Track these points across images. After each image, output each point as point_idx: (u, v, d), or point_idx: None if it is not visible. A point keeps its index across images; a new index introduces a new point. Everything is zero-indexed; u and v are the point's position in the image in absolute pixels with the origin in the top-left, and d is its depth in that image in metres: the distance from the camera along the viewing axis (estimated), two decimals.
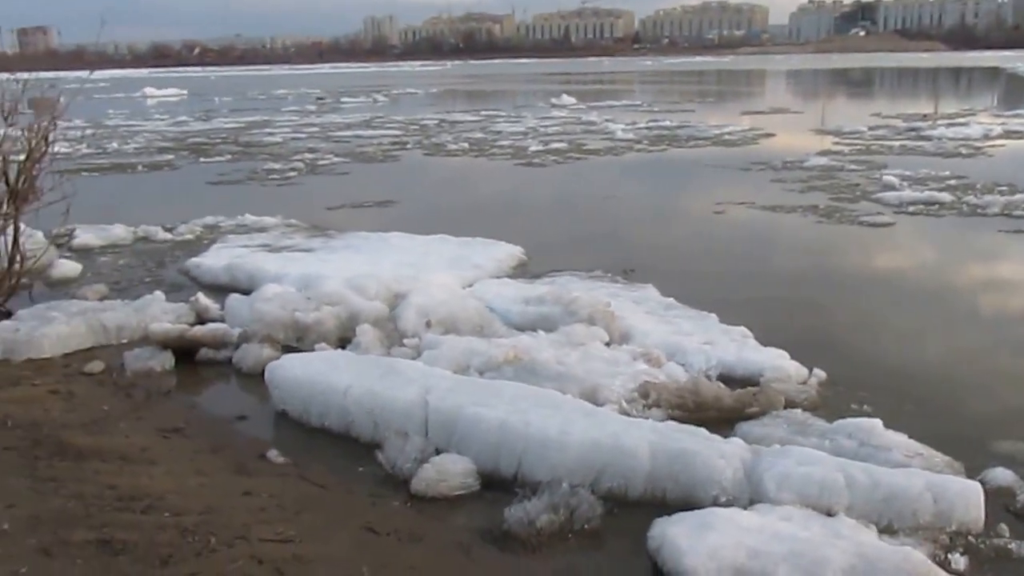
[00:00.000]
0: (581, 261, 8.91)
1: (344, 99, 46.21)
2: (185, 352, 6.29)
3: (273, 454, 4.73)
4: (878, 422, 4.64)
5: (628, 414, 4.91)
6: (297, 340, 6.37)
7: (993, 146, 18.92)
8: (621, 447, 4.24)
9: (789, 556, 3.45)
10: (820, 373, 5.62)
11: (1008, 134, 20.96)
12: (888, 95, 46.12)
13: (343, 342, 6.30)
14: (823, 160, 16.56)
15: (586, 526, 3.96)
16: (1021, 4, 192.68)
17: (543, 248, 9.67)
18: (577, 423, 4.42)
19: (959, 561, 3.65)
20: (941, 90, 48.79)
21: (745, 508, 3.92)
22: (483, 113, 32.89)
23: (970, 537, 3.82)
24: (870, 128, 23.08)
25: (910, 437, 4.61)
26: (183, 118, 34.12)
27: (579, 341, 5.92)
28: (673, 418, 4.87)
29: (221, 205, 12.64)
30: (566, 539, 3.91)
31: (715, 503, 4.02)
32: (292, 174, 16.82)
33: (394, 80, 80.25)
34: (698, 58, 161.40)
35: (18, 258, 7.61)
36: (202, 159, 19.80)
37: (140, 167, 18.53)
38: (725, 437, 4.50)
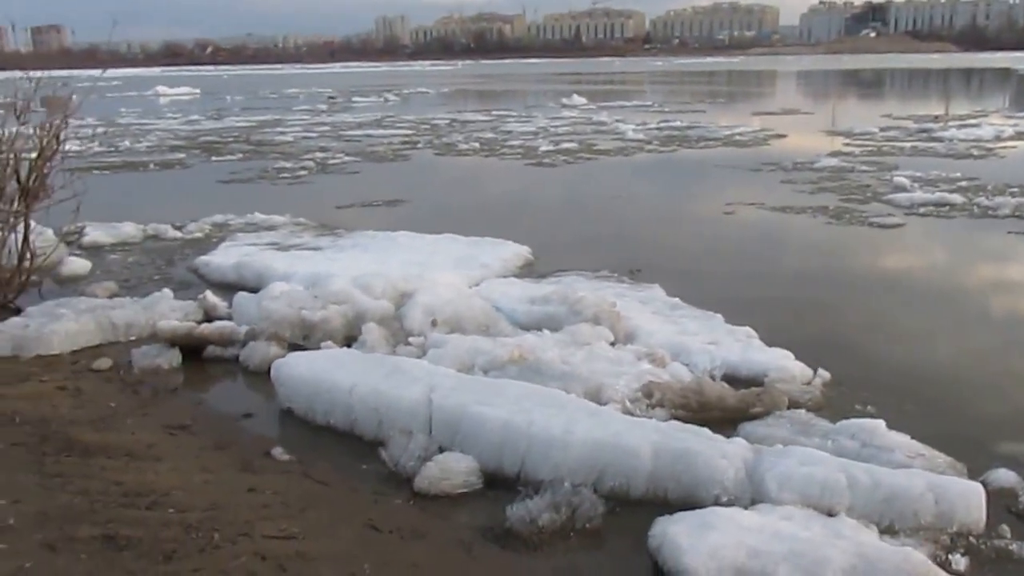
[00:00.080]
0: (588, 261, 8.92)
1: (355, 98, 46.30)
2: (193, 349, 6.33)
3: (278, 451, 4.76)
4: (881, 423, 4.64)
5: (632, 414, 4.91)
6: (303, 338, 6.40)
7: (1005, 147, 18.82)
8: (623, 446, 4.25)
9: (789, 556, 3.45)
10: (824, 374, 5.62)
11: (1020, 135, 20.86)
12: (899, 96, 45.93)
13: (349, 340, 6.33)
14: (834, 161, 16.52)
15: (587, 525, 3.97)
16: None
17: (550, 248, 9.68)
18: (580, 422, 4.43)
19: (960, 562, 3.64)
20: (952, 91, 48.55)
21: (746, 508, 3.92)
22: (494, 113, 32.91)
23: (971, 538, 3.81)
24: (881, 129, 22.99)
25: (914, 438, 4.61)
26: (195, 117, 34.27)
27: (584, 341, 5.94)
28: (677, 418, 4.88)
29: (231, 204, 12.69)
30: (567, 538, 3.92)
31: (717, 503, 4.03)
32: (303, 173, 16.87)
33: (405, 80, 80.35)
34: (709, 59, 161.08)
35: (28, 255, 7.68)
36: (213, 158, 19.88)
37: (152, 165, 18.61)
38: (728, 437, 4.50)
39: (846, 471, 3.97)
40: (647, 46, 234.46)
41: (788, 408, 5.12)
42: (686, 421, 4.74)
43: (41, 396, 5.44)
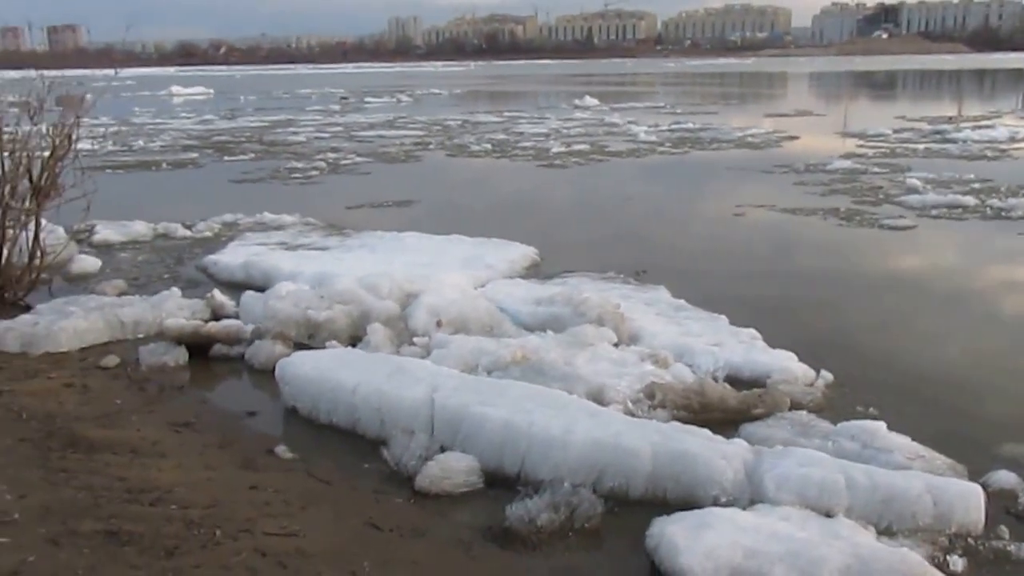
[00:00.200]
0: (595, 262, 8.93)
1: (368, 99, 46.41)
2: (199, 348, 6.38)
3: (281, 449, 4.79)
4: (881, 424, 4.65)
5: (633, 415, 4.93)
6: (309, 338, 6.44)
7: (1019, 149, 18.76)
8: (623, 447, 4.27)
9: (786, 556, 3.46)
10: (827, 375, 5.62)
11: None
12: (912, 98, 45.75)
13: (354, 340, 6.36)
14: (846, 163, 16.48)
15: (586, 525, 3.99)
16: None
17: (558, 249, 9.70)
18: (581, 423, 4.45)
19: (957, 563, 3.65)
20: (966, 92, 48.31)
21: (745, 508, 3.93)
22: (506, 114, 32.93)
23: (969, 539, 3.82)
24: (894, 131, 22.90)
25: (915, 440, 4.61)
26: (208, 116, 34.44)
27: (587, 342, 5.95)
28: (678, 419, 4.89)
29: (242, 203, 12.76)
30: (566, 537, 3.94)
31: (715, 503, 4.04)
32: (314, 173, 16.94)
33: (418, 80, 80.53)
34: (720, 60, 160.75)
35: (38, 253, 7.76)
36: (226, 157, 19.99)
37: (165, 165, 18.72)
38: (729, 438, 4.52)
39: (845, 472, 3.97)
40: (659, 47, 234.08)
41: (790, 409, 5.13)
42: (688, 422, 4.75)
43: (48, 392, 5.50)
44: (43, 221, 7.96)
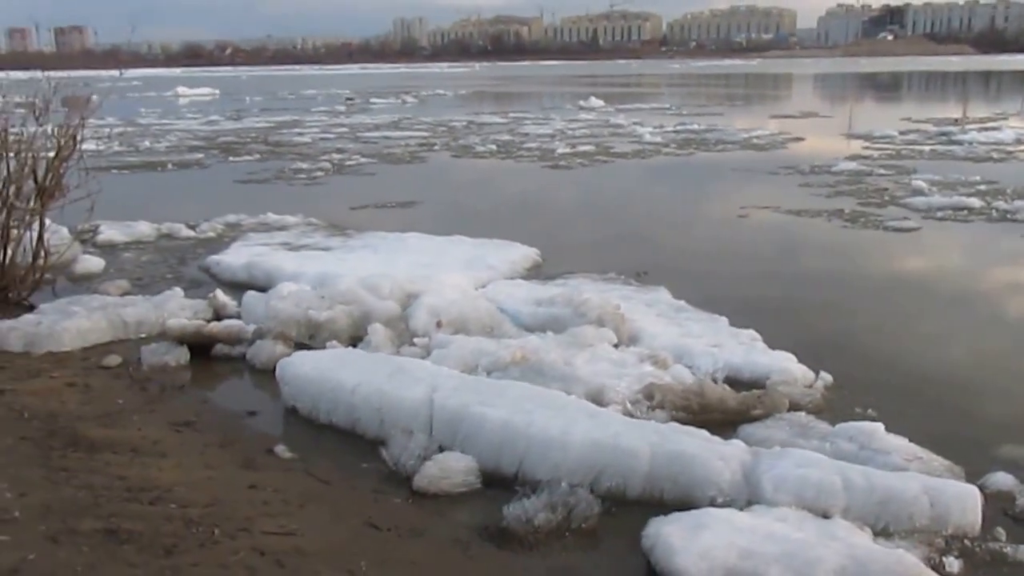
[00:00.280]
0: (597, 263, 8.94)
1: (373, 100, 46.48)
2: (201, 347, 6.40)
3: (281, 449, 4.81)
4: (879, 426, 4.65)
5: (632, 415, 4.94)
6: (309, 338, 6.46)
7: None
8: (621, 447, 4.28)
9: (781, 557, 3.47)
10: (827, 376, 5.62)
11: None
12: (918, 99, 45.65)
13: (355, 340, 6.38)
14: (852, 165, 16.47)
15: (583, 525, 4.00)
16: None
17: (560, 250, 9.72)
18: (579, 423, 4.46)
19: (954, 564, 3.65)
20: (971, 94, 48.18)
21: (742, 509, 3.94)
22: (511, 115, 32.94)
23: (966, 540, 3.82)
24: (900, 133, 22.85)
25: (914, 441, 4.61)
26: (214, 117, 34.52)
27: (587, 343, 5.96)
28: (677, 420, 4.90)
29: (246, 204, 12.80)
30: (563, 537, 3.95)
31: (713, 504, 4.05)
32: (319, 174, 16.98)
33: (423, 81, 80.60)
34: (726, 61, 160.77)
35: (42, 253, 7.79)
36: (231, 158, 20.04)
37: (170, 165, 18.78)
38: (727, 439, 4.53)
39: (842, 473, 3.98)
40: (664, 48, 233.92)
41: (789, 410, 5.13)
42: (687, 423, 4.76)
43: (50, 392, 5.53)
44: (47, 221, 8.00)
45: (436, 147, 21.81)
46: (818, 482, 3.93)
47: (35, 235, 7.78)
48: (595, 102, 37.56)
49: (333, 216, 11.96)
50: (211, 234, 10.95)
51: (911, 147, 19.77)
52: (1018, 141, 20.17)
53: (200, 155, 20.75)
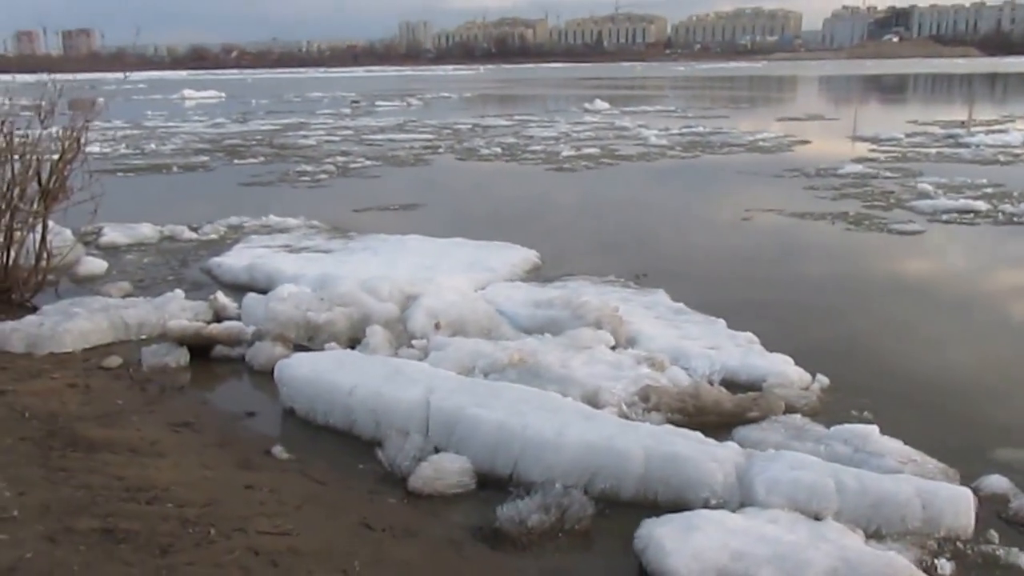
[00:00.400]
0: (597, 266, 8.97)
1: (378, 102, 46.54)
2: (202, 349, 6.44)
3: (278, 450, 4.84)
4: (874, 428, 4.66)
5: (628, 417, 4.95)
6: (308, 339, 6.50)
7: None
8: (615, 449, 4.30)
9: (772, 558, 3.48)
10: (823, 379, 5.64)
11: None
12: (924, 101, 45.58)
13: (354, 342, 6.41)
14: (858, 167, 16.47)
15: (576, 526, 4.02)
16: None
17: (560, 252, 9.74)
18: (574, 425, 4.49)
19: (945, 567, 3.66)
20: (978, 96, 48.04)
21: (735, 511, 3.95)
22: (516, 118, 32.99)
23: (959, 543, 3.83)
24: (907, 135, 22.83)
25: (909, 444, 4.63)
26: (220, 120, 34.62)
27: (585, 345, 5.98)
28: (673, 422, 4.93)
29: (250, 206, 12.86)
30: (556, 538, 3.97)
31: (706, 506, 4.06)
32: (323, 176, 17.03)
33: (428, 84, 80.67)
34: (731, 63, 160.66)
35: (45, 255, 7.84)
36: (236, 161, 20.11)
37: (175, 168, 18.85)
38: (722, 441, 4.55)
39: (835, 476, 3.99)
40: (668, 51, 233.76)
41: (784, 413, 5.14)
42: (682, 425, 4.79)
43: (51, 392, 5.57)
44: (51, 223, 8.05)
45: (441, 150, 21.84)
46: (811, 484, 3.95)
47: (38, 237, 7.83)
48: (600, 104, 37.56)
49: (335, 218, 12.00)
50: (213, 236, 11.00)
51: (917, 150, 19.75)
52: None
53: (205, 158, 20.81)
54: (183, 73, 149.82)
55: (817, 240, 10.68)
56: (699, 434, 4.51)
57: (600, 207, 13.28)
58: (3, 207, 7.61)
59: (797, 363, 5.85)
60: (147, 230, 10.93)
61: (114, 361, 6.25)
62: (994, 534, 3.91)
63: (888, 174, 15.73)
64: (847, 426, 4.75)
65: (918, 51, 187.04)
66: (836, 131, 25.56)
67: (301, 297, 6.89)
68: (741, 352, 6.05)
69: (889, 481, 3.99)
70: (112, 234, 10.58)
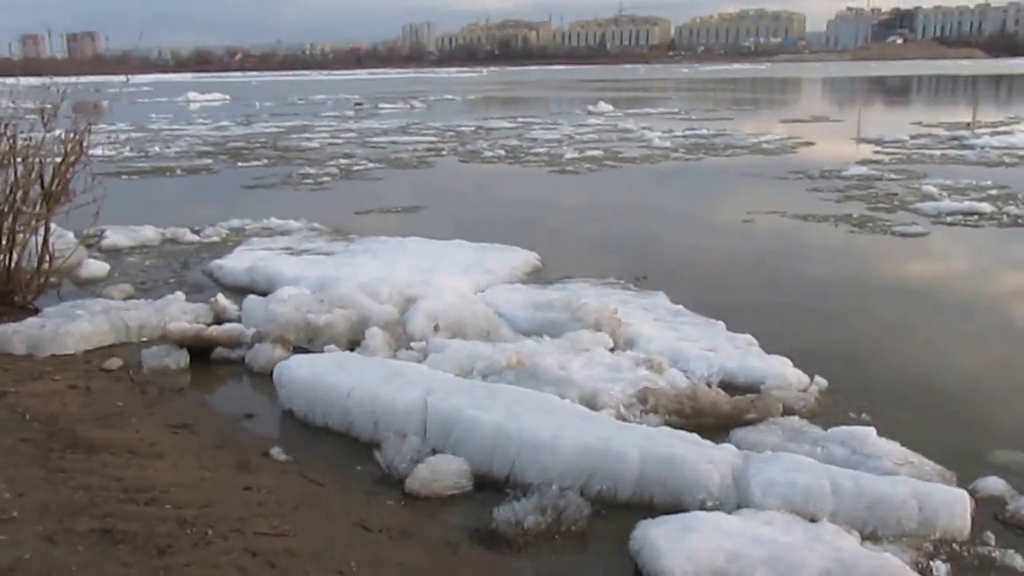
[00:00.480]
0: (597, 268, 8.97)
1: (382, 105, 46.55)
2: (201, 351, 6.46)
3: (276, 451, 4.86)
4: (871, 430, 4.67)
5: (625, 419, 4.96)
6: (308, 341, 6.51)
7: None
8: (612, 451, 4.31)
9: (767, 560, 3.49)
10: (821, 381, 5.64)
11: None
12: (928, 103, 45.50)
13: (353, 344, 6.43)
14: (862, 169, 16.44)
15: (572, 527, 4.03)
16: None
17: (561, 255, 9.75)
18: (570, 427, 4.49)
19: (941, 568, 3.66)
20: (983, 98, 47.94)
21: (731, 513, 3.96)
22: (519, 120, 33.00)
23: (955, 545, 3.83)
24: (912, 137, 22.78)
25: (906, 446, 4.63)
26: (224, 123, 34.70)
27: (583, 347, 6.00)
28: (670, 424, 4.94)
29: (252, 209, 12.87)
30: (552, 539, 3.98)
31: (702, 507, 4.07)
32: (326, 179, 17.05)
33: (431, 86, 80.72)
34: (735, 65, 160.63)
35: (47, 258, 7.87)
36: (240, 163, 20.14)
37: (179, 171, 18.89)
38: (719, 443, 4.55)
39: (831, 477, 4.00)
40: (672, 53, 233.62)
41: (782, 415, 5.15)
42: (680, 427, 4.80)
43: (52, 394, 5.60)
44: (53, 226, 8.08)
45: (444, 152, 21.86)
46: (806, 486, 3.95)
47: (40, 239, 7.86)
48: (604, 106, 37.53)
49: (337, 221, 12.03)
50: (215, 239, 11.03)
51: (922, 151, 19.71)
52: None
53: (209, 160, 20.85)
54: (187, 76, 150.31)
55: (819, 242, 10.68)
56: (696, 436, 4.52)
57: (602, 209, 13.29)
58: (6, 210, 7.64)
59: (796, 365, 5.85)
60: (149, 232, 10.96)
61: (115, 363, 6.27)
62: (990, 536, 3.90)
63: (892, 176, 15.71)
64: (844, 428, 4.76)
65: (922, 52, 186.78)
66: (840, 133, 25.53)
67: (301, 299, 6.91)
68: (739, 354, 6.05)
69: (885, 483, 4.00)
70: (114, 236, 10.61)
